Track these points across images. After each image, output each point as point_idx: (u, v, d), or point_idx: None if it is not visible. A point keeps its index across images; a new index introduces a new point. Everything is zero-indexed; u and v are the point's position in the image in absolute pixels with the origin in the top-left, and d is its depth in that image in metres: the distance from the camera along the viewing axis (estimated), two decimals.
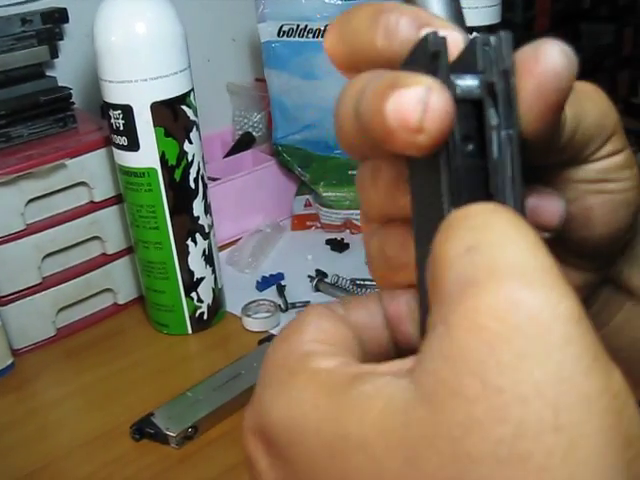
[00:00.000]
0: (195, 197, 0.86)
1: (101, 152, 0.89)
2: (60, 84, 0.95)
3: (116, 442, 0.76)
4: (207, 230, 0.88)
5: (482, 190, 0.26)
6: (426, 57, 0.26)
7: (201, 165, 0.86)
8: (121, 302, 0.96)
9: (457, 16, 0.31)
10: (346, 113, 0.28)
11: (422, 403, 0.21)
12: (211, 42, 1.21)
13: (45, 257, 0.88)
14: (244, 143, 1.19)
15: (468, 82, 0.26)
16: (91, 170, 0.89)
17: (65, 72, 1.00)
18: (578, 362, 0.20)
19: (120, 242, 0.93)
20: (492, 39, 0.26)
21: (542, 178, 0.33)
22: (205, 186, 0.87)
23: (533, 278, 0.21)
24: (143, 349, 0.90)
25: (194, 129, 0.84)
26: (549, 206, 0.31)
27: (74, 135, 0.91)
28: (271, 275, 0.99)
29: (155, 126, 0.81)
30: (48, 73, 0.96)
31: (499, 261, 0.22)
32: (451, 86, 0.25)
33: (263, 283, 0.98)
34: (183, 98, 0.82)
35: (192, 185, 0.85)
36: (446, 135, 0.25)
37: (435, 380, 0.21)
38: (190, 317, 0.90)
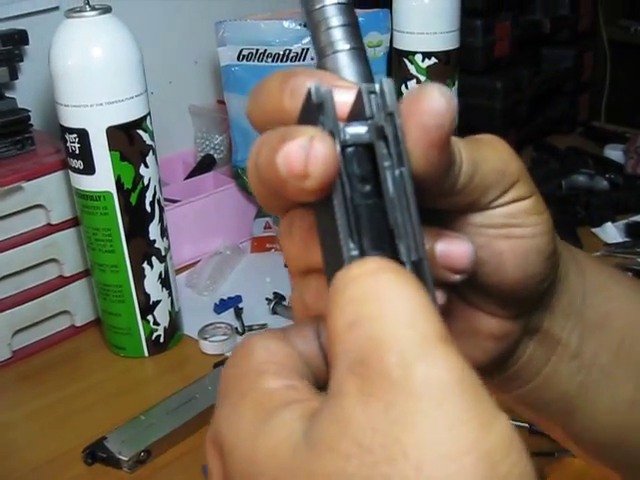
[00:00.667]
0: (151, 220, 0.86)
1: (59, 175, 0.89)
2: (20, 106, 0.95)
3: (68, 466, 0.76)
4: (163, 253, 0.89)
5: (383, 227, 0.27)
6: (312, 110, 0.28)
7: (157, 189, 0.87)
8: (78, 324, 0.96)
9: (367, 78, 0.32)
10: (250, 169, 0.30)
11: (307, 447, 0.23)
12: (173, 64, 1.22)
13: (1, 279, 0.88)
14: (205, 165, 1.20)
15: (357, 128, 0.28)
16: (48, 192, 0.89)
17: (25, 94, 1.00)
18: (445, 425, 0.22)
19: (77, 264, 0.93)
20: (376, 86, 0.28)
21: (450, 225, 0.34)
22: (162, 209, 0.88)
23: (408, 351, 0.23)
24: (99, 372, 0.90)
25: (150, 153, 0.85)
26: (458, 249, 0.32)
27: (32, 157, 0.92)
28: (229, 298, 0.99)
29: (111, 150, 0.82)
30: (7, 94, 0.96)
31: (378, 337, 0.23)
32: (340, 134, 0.27)
33: (221, 306, 0.98)
34: (139, 122, 0.83)
35: (148, 209, 0.86)
36: (332, 178, 0.27)
37: (320, 433, 0.23)
38: (146, 340, 0.90)
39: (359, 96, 0.28)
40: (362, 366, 0.23)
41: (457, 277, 0.32)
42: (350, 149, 0.28)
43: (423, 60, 1.05)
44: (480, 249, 0.34)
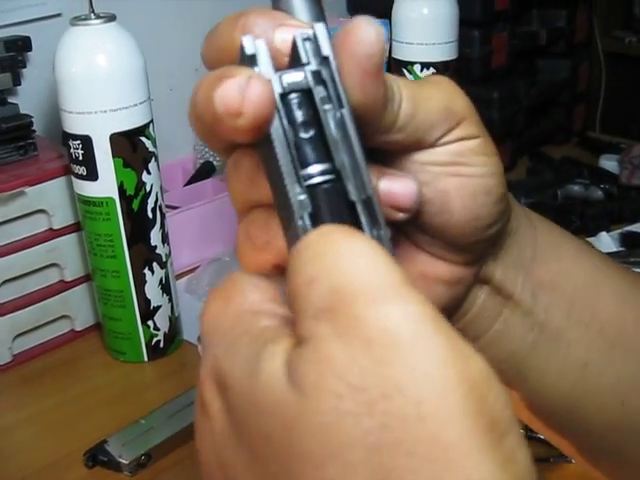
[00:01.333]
0: (153, 227, 0.87)
1: (61, 180, 0.90)
2: (22, 111, 0.96)
3: (69, 469, 0.76)
4: (164, 259, 0.90)
5: (329, 164, 0.28)
6: (247, 61, 0.29)
7: (159, 195, 0.88)
8: (78, 329, 0.97)
9: (319, 16, 0.33)
10: (190, 106, 0.31)
11: (294, 391, 0.24)
12: (174, 72, 1.23)
13: (3, 283, 0.89)
14: (204, 172, 1.21)
15: (294, 75, 0.29)
16: (51, 198, 0.90)
17: (27, 99, 1.01)
18: (432, 359, 0.23)
19: (78, 269, 0.94)
20: (310, 32, 0.29)
21: (393, 163, 0.35)
22: (163, 216, 0.89)
23: (375, 294, 0.24)
24: (99, 376, 0.91)
25: (153, 160, 0.86)
26: (401, 186, 0.32)
27: (34, 163, 0.92)
28: None
29: (114, 157, 0.83)
30: (10, 100, 0.97)
31: (342, 286, 0.24)
32: (277, 82, 0.29)
33: None
34: (142, 130, 0.84)
35: (150, 215, 0.87)
36: (265, 119, 0.28)
37: (303, 377, 0.24)
38: (146, 345, 0.91)
39: (294, 44, 0.29)
40: (330, 311, 0.24)
41: (401, 215, 0.33)
42: (290, 96, 0.29)
43: (422, 70, 1.06)
44: (425, 186, 0.35)
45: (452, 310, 0.40)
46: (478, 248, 0.38)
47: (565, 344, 0.42)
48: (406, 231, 0.37)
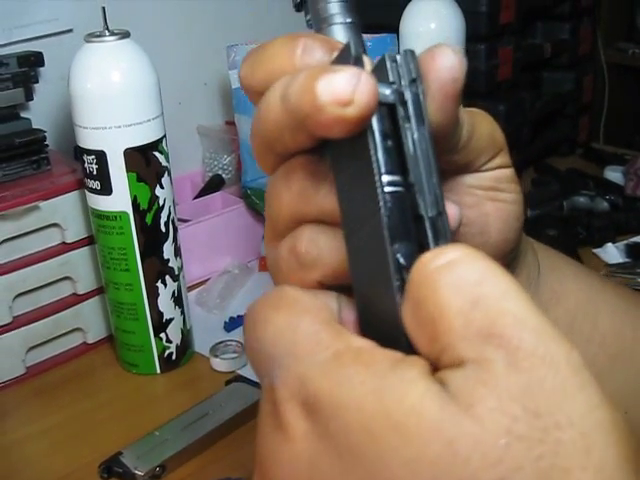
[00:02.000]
0: (165, 240, 0.88)
1: (74, 194, 0.91)
2: (34, 126, 0.97)
3: None
4: (177, 272, 0.90)
5: (401, 177, 0.29)
6: (350, 60, 0.30)
7: (172, 209, 0.88)
8: (91, 341, 0.97)
9: (360, 45, 0.35)
10: (272, 102, 0.31)
11: (458, 406, 0.24)
12: (183, 86, 1.24)
13: (16, 297, 0.90)
14: (214, 185, 1.22)
15: (383, 89, 0.30)
16: (64, 212, 0.91)
17: (39, 114, 1.02)
18: (593, 397, 0.25)
19: (91, 282, 0.95)
20: (398, 56, 0.30)
21: (444, 186, 0.35)
22: (175, 229, 0.90)
23: (540, 331, 0.25)
24: (112, 388, 0.92)
25: (165, 174, 0.87)
26: (448, 209, 0.33)
27: (48, 177, 0.93)
28: (239, 316, 1.01)
29: (128, 171, 0.84)
30: (23, 115, 0.98)
31: (511, 313, 0.25)
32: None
33: (231, 324, 1.00)
34: (155, 144, 0.85)
35: (163, 229, 0.88)
36: (371, 112, 0.28)
37: (468, 393, 0.24)
38: (159, 357, 0.92)
39: (381, 62, 0.30)
40: (501, 338, 0.25)
41: None
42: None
43: None
44: (469, 208, 0.37)
45: None
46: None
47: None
48: None
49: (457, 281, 0.26)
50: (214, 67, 1.25)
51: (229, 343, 0.95)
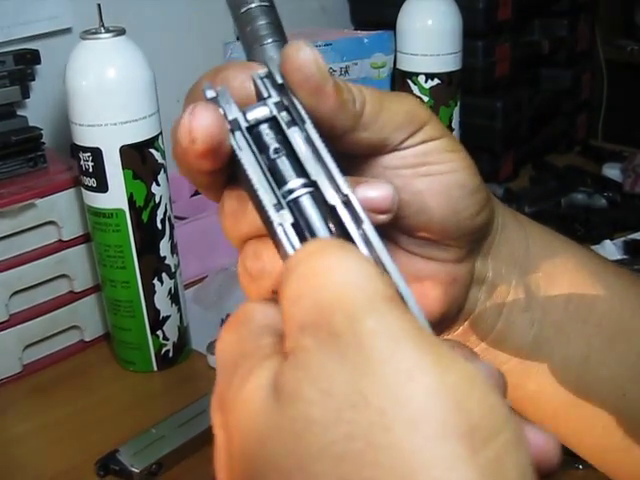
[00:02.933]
0: (162, 237, 0.88)
1: (70, 192, 0.91)
2: (31, 124, 0.97)
3: (81, 479, 0.77)
4: (173, 270, 0.90)
5: (306, 178, 0.31)
6: (207, 100, 0.32)
7: (168, 206, 0.88)
8: (87, 339, 0.97)
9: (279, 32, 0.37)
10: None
11: (273, 397, 0.25)
12: (181, 83, 1.23)
13: (13, 295, 0.90)
14: None
15: (257, 110, 0.32)
16: (60, 209, 0.91)
17: (36, 112, 1.02)
18: (400, 369, 0.24)
19: (87, 280, 0.95)
20: (265, 70, 0.33)
21: (366, 172, 0.37)
22: (172, 227, 0.90)
23: (353, 309, 0.25)
24: (109, 386, 0.92)
25: (162, 171, 0.87)
26: (378, 191, 0.34)
27: (44, 175, 0.93)
28: None
29: (124, 169, 0.83)
30: (19, 113, 0.98)
31: (324, 302, 0.25)
32: (242, 117, 0.32)
33: None
34: (151, 142, 0.85)
35: (159, 226, 0.87)
36: (217, 140, 0.31)
37: (284, 383, 0.25)
38: (156, 355, 0.92)
39: (254, 82, 0.33)
40: (313, 326, 0.25)
41: (384, 217, 0.34)
42: (260, 127, 0.32)
43: (426, 81, 1.07)
44: (400, 191, 0.36)
45: (456, 312, 0.41)
46: (465, 242, 0.40)
47: (565, 339, 0.43)
48: (393, 237, 0.39)
49: (293, 278, 0.27)
50: (211, 64, 1.22)
51: None
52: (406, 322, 0.25)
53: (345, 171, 0.31)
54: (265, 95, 0.33)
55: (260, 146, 0.32)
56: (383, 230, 0.34)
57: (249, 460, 0.25)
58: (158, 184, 0.86)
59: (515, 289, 0.42)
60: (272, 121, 0.32)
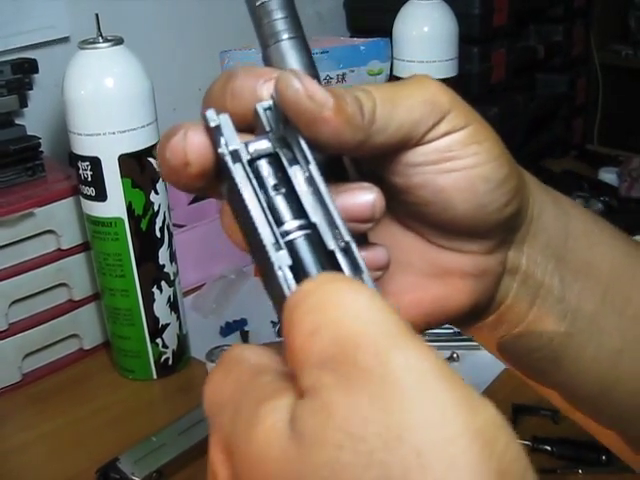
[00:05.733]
0: (161, 246, 0.88)
1: (69, 201, 0.91)
2: (29, 133, 0.97)
3: None
4: (172, 277, 0.91)
5: (304, 220, 0.30)
6: (210, 131, 0.31)
7: (167, 214, 0.89)
8: (87, 348, 0.97)
9: (308, 64, 0.35)
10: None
11: (294, 440, 0.24)
12: (178, 91, 1.24)
13: (12, 304, 0.90)
14: None
15: (260, 143, 0.31)
16: (59, 218, 0.91)
17: (34, 121, 1.02)
18: (434, 407, 0.23)
19: (86, 289, 0.95)
20: (269, 101, 0.32)
21: (386, 168, 0.35)
22: (170, 235, 0.90)
23: (377, 345, 0.24)
24: (109, 394, 0.92)
25: (160, 180, 0.87)
26: (358, 200, 0.33)
27: (42, 184, 0.93)
28: (235, 321, 1.01)
29: (122, 177, 0.84)
30: (17, 122, 0.98)
31: (345, 337, 0.24)
32: (244, 150, 0.30)
33: (227, 329, 1.00)
34: (150, 150, 0.85)
35: (158, 234, 0.88)
36: (208, 163, 0.31)
37: (304, 426, 0.24)
38: (155, 363, 0.92)
39: (256, 114, 0.32)
40: (334, 362, 0.24)
41: (366, 226, 0.33)
42: (259, 161, 0.31)
43: None
44: (422, 189, 0.35)
45: (486, 303, 0.40)
46: (495, 234, 0.38)
47: (599, 331, 0.41)
48: (419, 230, 0.38)
49: (305, 310, 0.25)
50: (208, 72, 1.23)
51: (225, 348, 0.95)
52: (430, 357, 0.24)
53: (363, 170, 0.31)
54: (267, 129, 0.31)
55: (259, 180, 0.30)
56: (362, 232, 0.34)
57: None
58: (157, 192, 0.86)
59: (550, 279, 0.40)
60: (273, 156, 0.31)
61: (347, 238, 0.29)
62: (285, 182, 0.30)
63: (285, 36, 0.35)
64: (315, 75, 0.35)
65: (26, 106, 0.99)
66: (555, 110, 1.52)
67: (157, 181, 0.87)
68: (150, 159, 0.85)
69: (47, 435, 0.85)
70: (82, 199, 0.87)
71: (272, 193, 0.30)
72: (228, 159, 0.30)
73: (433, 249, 0.38)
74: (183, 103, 1.26)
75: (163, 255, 0.89)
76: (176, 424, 0.82)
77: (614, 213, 1.25)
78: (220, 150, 0.30)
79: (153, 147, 0.85)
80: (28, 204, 0.89)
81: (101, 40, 0.82)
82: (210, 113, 0.31)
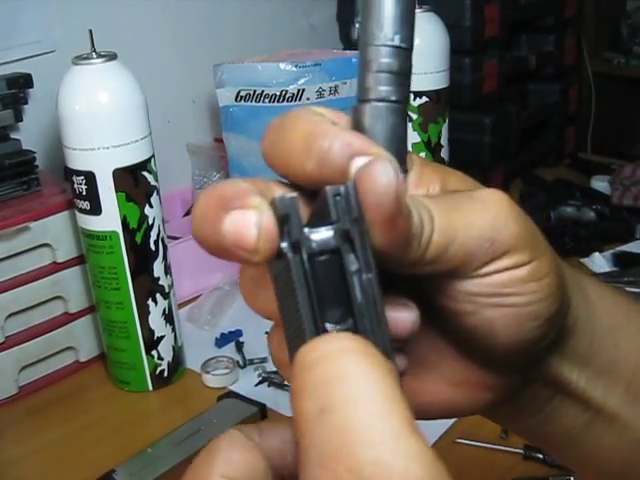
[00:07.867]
0: (155, 258, 0.89)
1: (64, 214, 0.92)
2: (24, 147, 0.98)
3: None
4: (167, 290, 0.91)
5: (351, 324, 0.27)
6: (277, 220, 0.27)
7: (161, 227, 0.89)
8: (83, 360, 0.98)
9: (399, 138, 0.31)
10: (193, 220, 0.29)
11: None
12: (172, 104, 1.25)
13: (8, 317, 0.90)
14: None
15: (323, 235, 0.27)
16: (54, 232, 0.92)
17: (29, 135, 1.03)
18: None
19: (82, 301, 0.96)
20: (342, 189, 0.27)
21: (436, 289, 0.32)
22: (165, 247, 0.91)
23: (384, 447, 0.23)
24: (105, 406, 0.93)
25: (154, 193, 0.88)
26: (400, 317, 0.30)
27: (38, 198, 0.94)
28: (230, 332, 1.02)
29: (117, 191, 0.85)
30: (12, 136, 0.99)
31: (350, 428, 0.23)
32: (307, 242, 0.27)
33: (222, 340, 1.01)
34: (144, 164, 0.86)
35: (152, 247, 0.88)
36: (273, 251, 0.27)
37: None
38: (151, 374, 0.92)
39: (323, 197, 0.28)
40: (333, 461, 0.23)
41: (400, 342, 0.31)
42: (319, 257, 0.27)
43: (415, 99, 1.08)
44: (469, 316, 0.32)
45: (501, 405, 0.38)
46: (527, 359, 0.36)
47: (621, 423, 0.40)
48: (454, 342, 0.35)
49: (313, 382, 0.24)
50: (202, 85, 1.26)
51: (220, 359, 0.96)
52: (433, 466, 0.23)
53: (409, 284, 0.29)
54: (334, 218, 0.27)
55: (315, 277, 0.27)
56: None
57: None
58: (151, 206, 0.87)
59: (575, 382, 0.38)
60: (333, 252, 0.27)
61: (390, 357, 0.27)
62: (341, 281, 0.27)
63: (385, 96, 0.31)
64: (403, 152, 0.32)
65: (21, 120, 0.99)
66: (547, 119, 1.53)
67: (151, 195, 0.87)
68: (144, 173, 0.86)
69: (44, 447, 0.86)
70: (77, 213, 0.88)
71: (324, 289, 0.27)
72: (288, 251, 0.27)
73: (462, 359, 0.36)
74: (178, 115, 1.27)
75: (158, 268, 0.90)
76: (171, 435, 0.82)
77: (606, 221, 1.26)
78: (283, 245, 0.27)
79: (147, 161, 0.86)
80: (23, 218, 0.89)
81: (95, 56, 0.83)
82: (282, 200, 0.27)
